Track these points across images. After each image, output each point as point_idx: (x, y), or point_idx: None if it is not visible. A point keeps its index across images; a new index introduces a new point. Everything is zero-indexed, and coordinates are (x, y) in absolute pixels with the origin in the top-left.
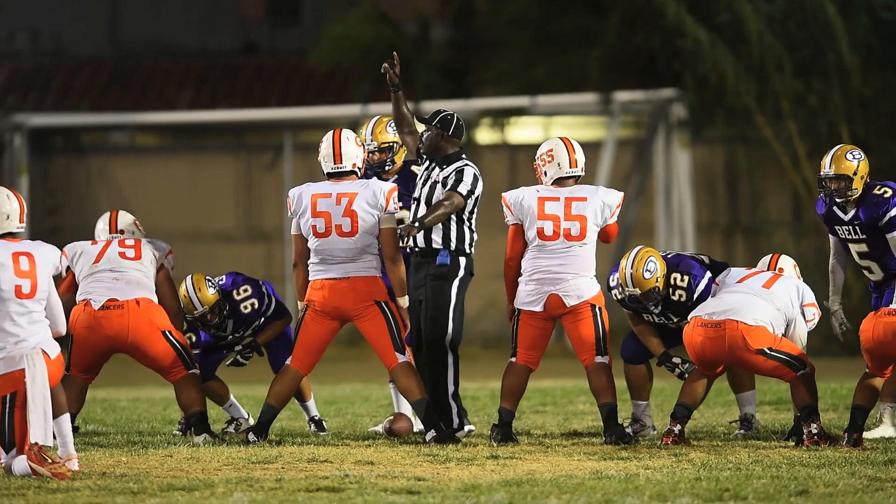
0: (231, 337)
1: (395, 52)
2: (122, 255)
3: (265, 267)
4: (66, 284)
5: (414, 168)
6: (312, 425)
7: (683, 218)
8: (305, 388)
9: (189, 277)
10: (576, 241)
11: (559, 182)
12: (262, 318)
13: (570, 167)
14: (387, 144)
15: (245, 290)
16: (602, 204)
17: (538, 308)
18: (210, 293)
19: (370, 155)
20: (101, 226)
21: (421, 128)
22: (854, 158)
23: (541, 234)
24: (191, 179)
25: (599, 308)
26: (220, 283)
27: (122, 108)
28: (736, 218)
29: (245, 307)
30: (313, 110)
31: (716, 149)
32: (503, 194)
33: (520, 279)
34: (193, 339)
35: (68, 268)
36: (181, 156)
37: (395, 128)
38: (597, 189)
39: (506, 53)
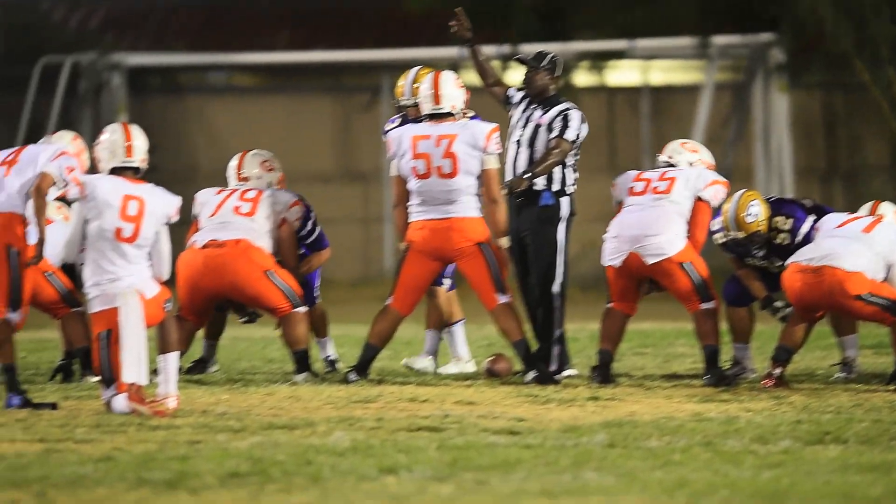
0: None
1: (458, 9)
2: (237, 209)
3: (363, 208)
4: (193, 231)
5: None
6: (326, 364)
7: (782, 162)
8: (323, 324)
9: None
10: (663, 194)
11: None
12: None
13: None
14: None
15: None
16: (696, 175)
17: (620, 264)
18: None
19: (409, 109)
20: (231, 171)
21: (511, 73)
22: None
23: (630, 191)
24: (288, 120)
25: (688, 263)
26: None
27: (219, 49)
28: (834, 163)
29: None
30: (411, 52)
31: (814, 94)
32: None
33: (604, 236)
34: None
35: (195, 216)
36: (278, 96)
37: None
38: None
39: None
